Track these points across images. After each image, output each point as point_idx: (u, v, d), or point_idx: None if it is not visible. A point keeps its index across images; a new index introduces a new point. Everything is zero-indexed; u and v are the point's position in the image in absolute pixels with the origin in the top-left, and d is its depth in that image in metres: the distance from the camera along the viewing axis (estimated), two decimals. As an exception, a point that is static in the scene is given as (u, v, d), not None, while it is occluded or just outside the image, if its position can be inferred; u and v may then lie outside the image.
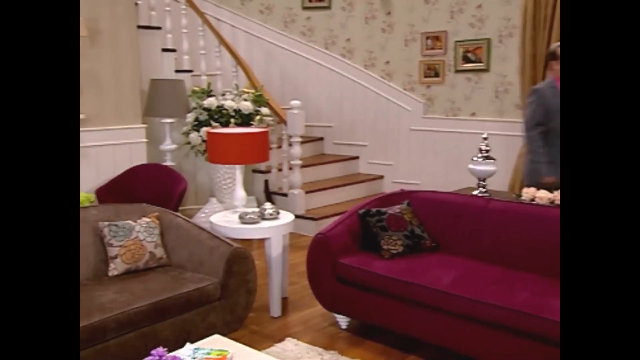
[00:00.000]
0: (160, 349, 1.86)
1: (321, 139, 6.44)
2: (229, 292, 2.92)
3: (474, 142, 5.39)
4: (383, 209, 3.32)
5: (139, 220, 3.07)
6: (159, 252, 3.04)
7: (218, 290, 2.88)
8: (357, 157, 6.24)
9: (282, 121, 5.21)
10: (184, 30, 5.40)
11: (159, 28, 5.29)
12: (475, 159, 3.95)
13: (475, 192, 3.95)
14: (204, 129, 4.77)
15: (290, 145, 5.18)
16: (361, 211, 3.31)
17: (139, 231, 3.01)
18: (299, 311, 3.55)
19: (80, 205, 3.89)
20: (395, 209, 3.34)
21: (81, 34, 4.21)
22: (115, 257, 2.93)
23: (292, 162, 5.15)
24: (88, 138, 4.41)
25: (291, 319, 3.45)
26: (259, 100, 5.10)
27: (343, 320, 3.29)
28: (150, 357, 1.83)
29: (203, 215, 4.79)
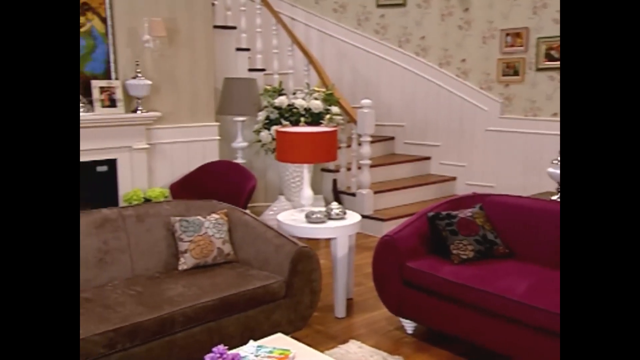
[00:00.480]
0: (221, 347, 1.89)
1: (392, 138, 6.35)
2: (294, 291, 2.93)
3: (554, 144, 5.13)
4: (454, 212, 3.21)
5: (208, 217, 3.15)
6: (227, 248, 3.10)
7: (283, 288, 2.90)
8: (428, 158, 6.10)
9: (352, 120, 5.19)
10: (258, 30, 5.49)
11: (234, 28, 5.41)
12: (555, 162, 3.75)
13: (554, 197, 3.75)
14: (275, 128, 4.83)
15: (359, 144, 5.14)
16: (430, 214, 3.23)
17: (208, 227, 3.08)
18: (364, 313, 3.51)
19: (156, 200, 4.05)
20: (466, 213, 3.22)
21: (160, 34, 4.37)
22: (185, 251, 3.01)
23: (361, 162, 5.11)
24: (164, 135, 4.59)
25: (356, 320, 3.42)
26: (330, 99, 5.10)
27: (409, 325, 3.23)
28: (212, 354, 1.87)
29: (271, 212, 4.85)
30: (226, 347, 1.92)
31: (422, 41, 6.07)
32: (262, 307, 2.84)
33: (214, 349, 1.86)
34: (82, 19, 4.14)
